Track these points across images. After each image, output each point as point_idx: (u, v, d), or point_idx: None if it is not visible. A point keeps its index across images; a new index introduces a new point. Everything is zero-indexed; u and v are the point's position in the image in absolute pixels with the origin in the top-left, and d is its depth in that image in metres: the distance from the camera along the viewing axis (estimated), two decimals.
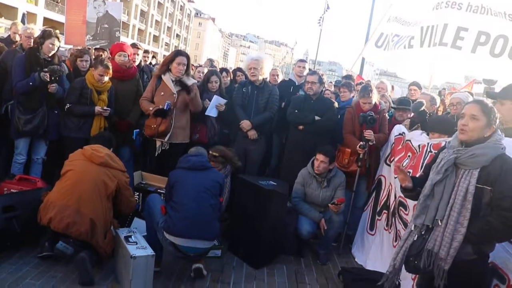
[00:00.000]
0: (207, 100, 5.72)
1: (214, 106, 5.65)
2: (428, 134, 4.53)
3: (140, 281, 3.60)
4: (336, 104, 5.75)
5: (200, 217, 3.93)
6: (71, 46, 8.32)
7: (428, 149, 4.22)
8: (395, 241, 4.56)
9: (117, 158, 4.30)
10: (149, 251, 3.70)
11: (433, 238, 2.74)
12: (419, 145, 4.49)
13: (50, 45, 5.06)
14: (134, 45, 6.72)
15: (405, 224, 4.28)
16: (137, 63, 6.47)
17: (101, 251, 3.85)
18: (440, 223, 2.72)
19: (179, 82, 5.31)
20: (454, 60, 6.03)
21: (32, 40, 5.56)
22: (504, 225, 2.52)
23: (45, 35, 5.08)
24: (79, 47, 7.43)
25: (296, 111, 5.57)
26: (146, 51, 8.04)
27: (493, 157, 2.62)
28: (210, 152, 4.87)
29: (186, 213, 3.88)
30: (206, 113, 5.64)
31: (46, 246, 3.92)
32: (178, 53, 5.54)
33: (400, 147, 4.99)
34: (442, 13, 6.05)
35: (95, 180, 3.92)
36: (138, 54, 6.49)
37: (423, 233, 2.84)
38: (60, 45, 5.42)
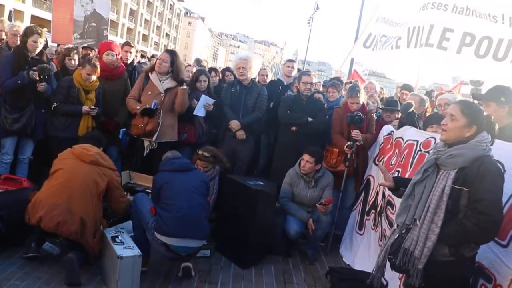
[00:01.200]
0: (194, 100, 5.71)
1: (202, 106, 5.63)
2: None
3: (127, 281, 3.58)
4: (326, 105, 5.77)
5: (192, 217, 3.94)
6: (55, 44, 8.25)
7: (418, 148, 4.24)
8: (381, 240, 4.60)
9: (107, 157, 4.26)
10: (136, 251, 3.67)
11: (410, 237, 2.77)
12: (406, 141, 4.52)
13: (33, 43, 4.99)
14: (127, 43, 6.70)
15: (391, 224, 4.32)
16: (129, 61, 6.45)
17: (90, 250, 3.81)
18: (417, 223, 2.74)
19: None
20: (440, 61, 6.09)
21: (19, 38, 5.47)
22: (477, 227, 2.49)
23: (27, 33, 5.01)
24: (67, 46, 7.37)
25: (288, 111, 5.58)
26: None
27: (472, 158, 2.60)
28: (201, 152, 4.85)
29: (178, 213, 3.87)
30: (194, 113, 5.62)
31: (32, 247, 3.87)
32: (164, 51, 5.67)
33: (389, 146, 5.03)
34: (428, 14, 6.10)
35: (85, 179, 3.88)
36: (131, 52, 6.47)
37: (403, 232, 2.87)
38: (48, 43, 5.34)
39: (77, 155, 4.03)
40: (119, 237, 3.84)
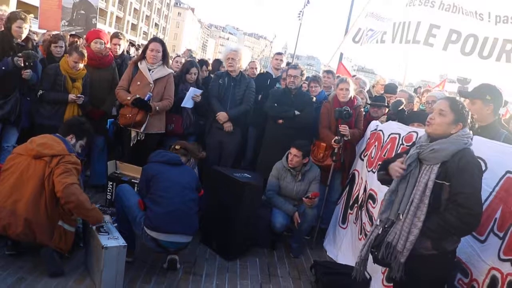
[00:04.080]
0: (184, 91, 5.67)
1: (190, 97, 5.61)
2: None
3: (111, 271, 3.55)
4: (314, 99, 5.77)
5: (183, 212, 3.93)
6: (44, 31, 8.12)
7: (400, 142, 4.30)
8: (360, 234, 4.65)
9: (55, 142, 3.80)
10: (121, 242, 3.64)
11: (393, 231, 2.81)
12: (389, 135, 4.56)
13: (17, 29, 4.88)
14: (116, 35, 6.60)
15: (371, 218, 4.37)
16: (119, 52, 6.39)
17: (55, 249, 3.68)
18: (401, 217, 2.78)
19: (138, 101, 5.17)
20: (426, 57, 6.16)
21: (3, 24, 5.35)
22: (459, 220, 2.56)
23: (10, 19, 4.90)
24: (54, 33, 7.26)
25: (276, 104, 5.58)
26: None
27: (453, 152, 2.66)
28: (172, 146, 4.80)
29: (170, 208, 3.85)
30: (182, 105, 5.59)
31: (9, 245, 3.81)
32: (152, 39, 5.55)
33: (373, 140, 5.07)
34: (416, 10, 6.16)
35: (31, 176, 3.64)
36: (119, 45, 6.42)
37: (386, 226, 2.90)
38: (31, 28, 5.23)
39: (25, 149, 3.77)
40: (104, 227, 3.78)
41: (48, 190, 3.63)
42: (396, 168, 2.84)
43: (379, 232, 2.92)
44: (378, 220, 3.00)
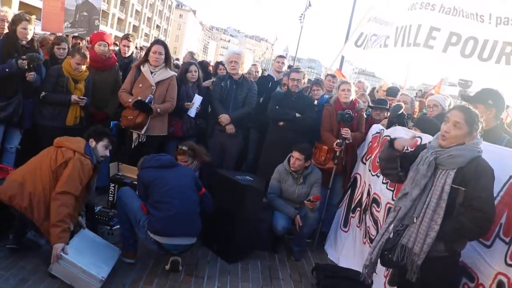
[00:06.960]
0: (187, 102, 5.68)
1: (196, 107, 5.64)
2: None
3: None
4: (315, 102, 5.77)
5: (185, 215, 3.94)
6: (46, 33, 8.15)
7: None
8: (365, 237, 4.64)
9: (79, 141, 3.95)
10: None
11: (408, 234, 2.85)
12: None
13: (23, 30, 4.88)
14: (126, 37, 6.67)
15: (375, 221, 4.36)
16: (128, 54, 6.43)
17: (44, 232, 3.64)
18: (415, 220, 2.82)
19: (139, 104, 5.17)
20: (426, 60, 6.16)
21: (6, 25, 5.34)
22: (474, 224, 2.62)
23: (15, 21, 4.90)
24: (57, 34, 7.29)
25: (277, 107, 5.59)
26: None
27: (470, 159, 2.73)
28: (179, 146, 4.79)
29: (171, 212, 3.85)
30: (187, 113, 5.63)
31: (11, 239, 3.83)
32: (154, 42, 5.54)
33: (375, 144, 5.07)
34: (416, 14, 6.17)
35: (43, 158, 3.76)
36: (129, 47, 6.47)
37: (398, 229, 2.93)
38: (35, 30, 5.24)
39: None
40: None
41: (54, 178, 3.69)
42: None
43: (390, 236, 2.95)
44: (386, 224, 3.02)
